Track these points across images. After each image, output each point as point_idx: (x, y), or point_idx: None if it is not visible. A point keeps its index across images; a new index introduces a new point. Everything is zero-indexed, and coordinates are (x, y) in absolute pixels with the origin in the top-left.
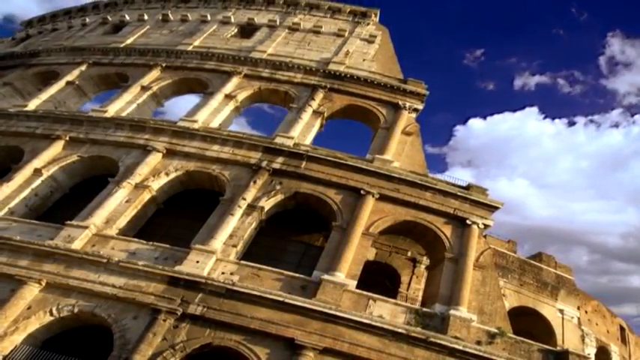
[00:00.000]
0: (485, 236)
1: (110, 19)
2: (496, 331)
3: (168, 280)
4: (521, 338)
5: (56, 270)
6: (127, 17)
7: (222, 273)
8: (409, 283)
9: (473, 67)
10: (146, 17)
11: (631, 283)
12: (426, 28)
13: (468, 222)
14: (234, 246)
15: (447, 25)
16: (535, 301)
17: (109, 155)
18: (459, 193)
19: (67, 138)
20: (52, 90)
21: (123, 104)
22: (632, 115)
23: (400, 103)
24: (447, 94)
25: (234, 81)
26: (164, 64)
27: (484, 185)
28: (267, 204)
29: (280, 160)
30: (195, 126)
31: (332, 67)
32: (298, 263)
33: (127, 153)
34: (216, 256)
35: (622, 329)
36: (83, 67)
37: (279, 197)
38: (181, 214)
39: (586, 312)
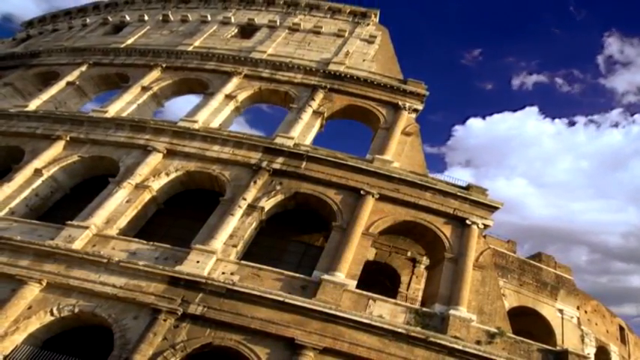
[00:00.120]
0: (484, 236)
1: (111, 19)
2: (496, 330)
3: (168, 280)
4: (521, 338)
5: (57, 270)
6: (128, 18)
7: (223, 273)
8: (409, 283)
9: (471, 67)
10: (146, 18)
11: (631, 283)
12: (424, 28)
13: (467, 222)
14: (235, 246)
15: (445, 25)
16: (535, 301)
17: (109, 155)
18: (458, 194)
19: (68, 138)
20: (53, 90)
21: (123, 104)
22: (632, 115)
23: (400, 103)
24: (445, 94)
25: (235, 81)
26: (164, 65)
27: (483, 185)
28: (268, 204)
29: (280, 160)
30: (196, 126)
31: (332, 67)
32: (298, 263)
33: (128, 153)
34: (217, 256)
35: (621, 329)
36: (84, 68)
37: (280, 197)
38: (182, 214)
39: (585, 312)
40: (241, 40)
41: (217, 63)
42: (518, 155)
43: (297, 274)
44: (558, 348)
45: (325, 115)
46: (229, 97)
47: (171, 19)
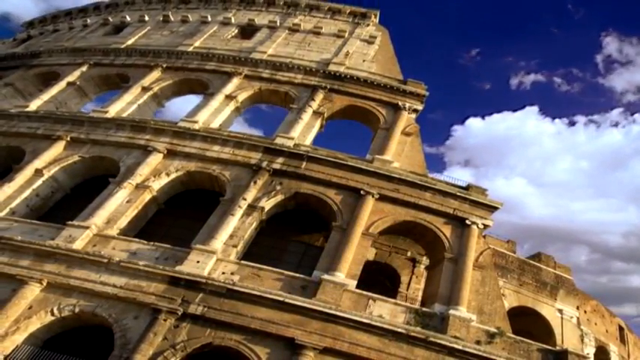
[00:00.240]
0: (484, 236)
1: (111, 20)
2: (495, 330)
3: (168, 280)
4: (521, 338)
5: (57, 270)
6: (128, 18)
7: (223, 273)
8: (409, 283)
9: (469, 67)
10: (147, 18)
11: (631, 283)
12: (422, 28)
13: (467, 222)
14: (235, 246)
15: (443, 25)
16: (534, 301)
17: (109, 156)
18: (458, 194)
19: (68, 138)
20: (53, 90)
21: (124, 105)
22: (632, 114)
23: (400, 103)
24: (444, 94)
25: (235, 82)
26: (165, 65)
27: (482, 184)
28: (268, 204)
29: (280, 160)
30: (196, 126)
31: (332, 67)
32: (298, 263)
33: (128, 153)
34: (217, 256)
35: (621, 329)
36: (84, 68)
37: (280, 197)
38: (182, 214)
39: (585, 312)
40: (241, 41)
41: (218, 63)
42: (518, 155)
43: (297, 274)
44: (558, 348)
45: (325, 115)
46: (229, 97)
47: (172, 19)
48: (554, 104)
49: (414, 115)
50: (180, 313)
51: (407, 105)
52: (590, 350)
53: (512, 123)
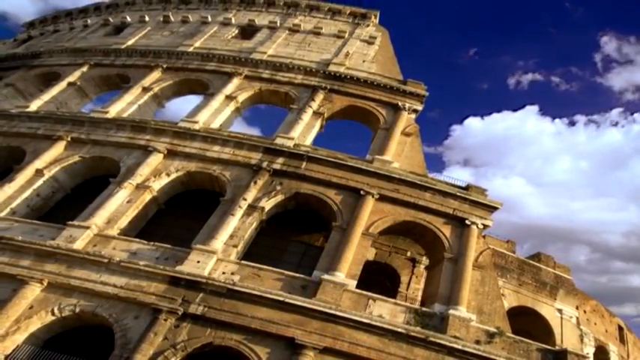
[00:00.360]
0: (484, 236)
1: (111, 20)
2: (495, 330)
3: (169, 280)
4: (520, 338)
5: (58, 270)
6: (128, 18)
7: (223, 273)
8: (409, 283)
9: (467, 66)
10: (147, 18)
11: (631, 283)
12: (420, 28)
13: (467, 222)
14: (235, 246)
15: (441, 25)
16: (534, 301)
17: (110, 156)
18: (458, 194)
19: (69, 139)
20: (54, 91)
21: (124, 105)
22: (632, 114)
23: (400, 104)
24: (442, 93)
25: (235, 82)
26: (165, 65)
27: (481, 184)
28: (268, 204)
29: (281, 160)
30: (196, 127)
31: (332, 68)
32: (298, 263)
33: (128, 153)
34: (217, 256)
35: (620, 329)
36: (85, 68)
37: (280, 197)
38: (182, 214)
39: (585, 312)
40: (242, 41)
41: (218, 64)
42: (517, 154)
43: (297, 274)
44: (557, 348)
45: (325, 115)
46: (230, 97)
47: (172, 20)
48: (554, 103)
49: (413, 116)
50: (180, 313)
51: (407, 105)
52: (589, 350)
53: (512, 123)
